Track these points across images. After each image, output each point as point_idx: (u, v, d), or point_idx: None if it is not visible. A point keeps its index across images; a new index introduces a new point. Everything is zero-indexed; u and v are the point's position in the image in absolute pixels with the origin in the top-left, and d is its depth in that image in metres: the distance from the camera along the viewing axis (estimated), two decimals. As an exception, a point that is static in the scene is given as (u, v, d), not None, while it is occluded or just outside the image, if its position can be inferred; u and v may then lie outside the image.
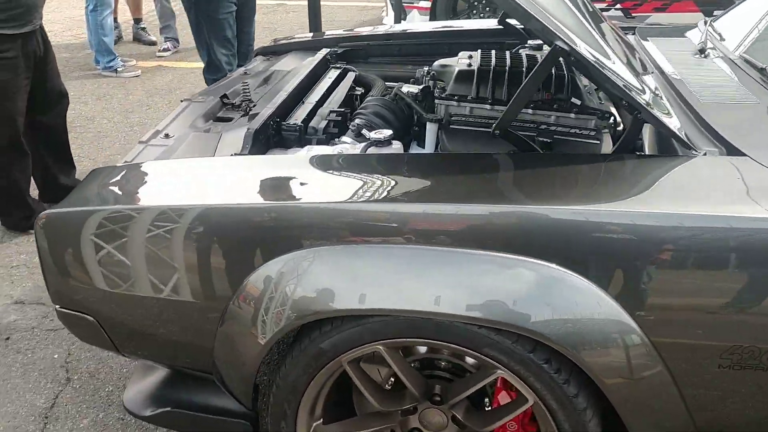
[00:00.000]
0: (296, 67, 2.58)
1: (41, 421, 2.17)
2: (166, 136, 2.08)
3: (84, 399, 2.25)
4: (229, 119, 2.20)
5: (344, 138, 2.04)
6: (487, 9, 6.33)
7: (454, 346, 1.48)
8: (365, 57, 2.83)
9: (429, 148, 2.07)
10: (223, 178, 1.70)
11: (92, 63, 5.67)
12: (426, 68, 2.33)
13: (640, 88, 1.63)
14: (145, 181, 1.75)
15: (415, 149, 2.14)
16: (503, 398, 1.64)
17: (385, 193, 1.54)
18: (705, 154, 1.54)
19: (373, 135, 1.93)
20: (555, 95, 1.95)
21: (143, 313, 1.64)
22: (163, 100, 5.02)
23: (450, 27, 2.97)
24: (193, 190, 1.66)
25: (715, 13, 2.87)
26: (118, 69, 5.53)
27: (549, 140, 1.87)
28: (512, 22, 2.70)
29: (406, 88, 2.21)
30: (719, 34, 2.34)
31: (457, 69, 2.09)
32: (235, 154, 1.85)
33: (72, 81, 5.27)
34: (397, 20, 5.72)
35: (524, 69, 2.03)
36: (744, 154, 1.51)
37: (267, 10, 7.69)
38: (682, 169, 1.52)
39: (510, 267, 1.40)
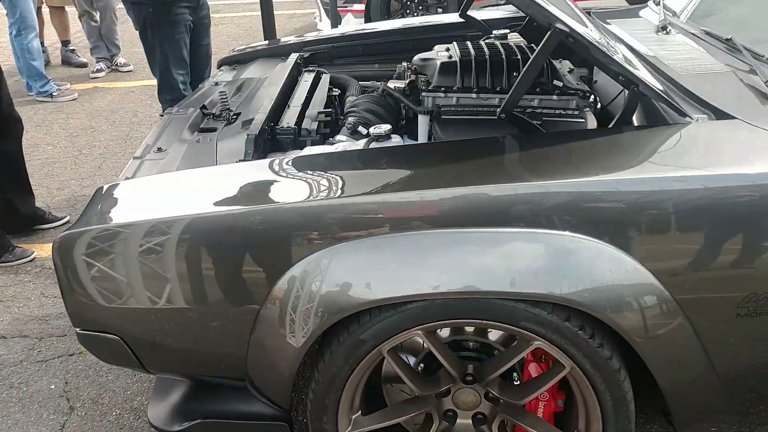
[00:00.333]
0: (270, 74, 2.59)
1: (52, 453, 2.12)
2: (159, 149, 2.06)
3: (92, 426, 2.19)
4: (213, 129, 2.20)
5: (339, 136, 2.08)
6: (420, 8, 6.45)
7: (491, 322, 1.54)
8: (330, 59, 2.87)
9: (422, 139, 2.12)
10: (239, 184, 1.70)
11: (24, 90, 5.46)
12: (405, 63, 2.38)
13: (635, 64, 1.73)
14: (162, 194, 1.74)
15: (406, 141, 2.19)
16: (534, 370, 1.71)
17: (411, 182, 1.58)
18: (698, 120, 1.64)
19: (374, 130, 1.97)
20: (537, 79, 2.03)
21: (175, 328, 1.63)
22: (107, 122, 4.89)
23: (411, 25, 3.03)
24: (216, 198, 1.64)
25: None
26: (54, 93, 5.35)
27: (539, 122, 1.95)
28: (474, 14, 2.79)
29: (393, 84, 2.25)
30: (673, 12, 2.49)
31: (439, 62, 2.14)
32: (241, 160, 1.86)
33: (6, 109, 5.06)
34: (334, 25, 5.73)
35: (503, 57, 2.11)
36: (734, 117, 1.62)
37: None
38: (683, 135, 1.61)
39: (543, 241, 1.46)
